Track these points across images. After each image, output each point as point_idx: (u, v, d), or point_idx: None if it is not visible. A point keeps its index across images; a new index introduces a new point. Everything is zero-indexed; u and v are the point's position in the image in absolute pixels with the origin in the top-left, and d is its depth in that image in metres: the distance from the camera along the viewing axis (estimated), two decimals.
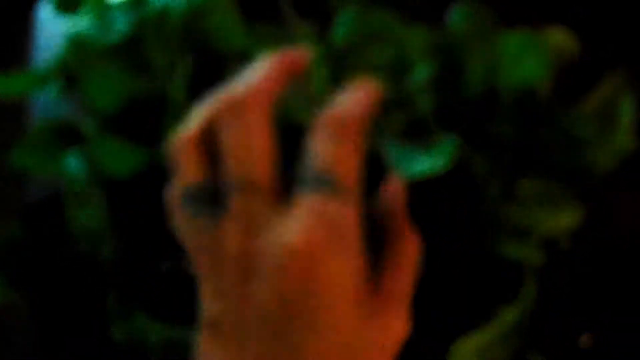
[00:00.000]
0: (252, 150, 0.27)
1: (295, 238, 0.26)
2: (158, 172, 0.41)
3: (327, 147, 0.27)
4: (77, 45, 0.42)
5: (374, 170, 0.40)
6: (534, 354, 0.45)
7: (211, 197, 0.28)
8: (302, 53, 0.30)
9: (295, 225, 0.26)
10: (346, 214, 0.27)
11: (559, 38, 0.49)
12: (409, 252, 0.30)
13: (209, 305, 0.27)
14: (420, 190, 0.42)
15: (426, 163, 0.38)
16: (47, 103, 0.47)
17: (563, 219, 0.45)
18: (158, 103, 0.42)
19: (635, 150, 0.45)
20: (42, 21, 0.58)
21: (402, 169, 0.38)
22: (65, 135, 0.45)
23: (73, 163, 0.43)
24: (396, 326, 0.28)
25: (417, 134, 0.39)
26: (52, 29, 0.57)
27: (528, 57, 0.41)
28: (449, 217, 0.42)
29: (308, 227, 0.26)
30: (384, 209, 0.32)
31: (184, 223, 0.28)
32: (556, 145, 0.41)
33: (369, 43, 0.39)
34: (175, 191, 0.28)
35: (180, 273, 0.44)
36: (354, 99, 0.29)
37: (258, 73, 0.28)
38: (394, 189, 0.33)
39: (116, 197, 0.42)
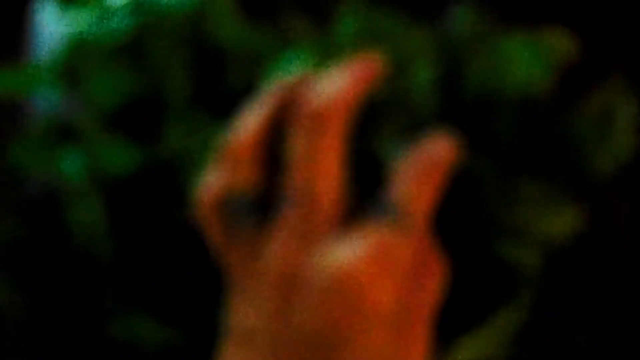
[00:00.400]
0: (322, 167, 0.26)
1: (349, 262, 0.25)
2: (157, 171, 0.41)
3: (411, 186, 0.26)
4: (77, 43, 0.41)
5: (375, 171, 0.40)
6: (529, 351, 0.45)
7: (257, 205, 0.27)
8: (375, 62, 0.27)
9: (352, 249, 0.25)
10: (407, 250, 0.26)
11: (559, 40, 0.49)
12: (434, 276, 0.28)
13: (241, 317, 0.27)
14: None
15: None
16: (45, 101, 0.47)
17: (564, 221, 0.45)
18: (158, 102, 0.42)
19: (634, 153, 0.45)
20: (40, 20, 0.58)
21: None
22: (64, 133, 0.44)
23: (71, 161, 0.42)
24: (418, 346, 0.27)
25: (416, 133, 0.39)
26: (50, 29, 0.57)
27: (529, 59, 0.41)
28: (447, 218, 0.42)
29: (365, 254, 0.25)
30: None
31: (220, 231, 0.27)
32: (556, 147, 0.41)
33: (370, 42, 0.38)
34: (213, 194, 0.27)
35: (179, 272, 0.43)
36: (442, 147, 0.26)
37: (340, 82, 0.27)
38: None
39: (115, 195, 0.42)
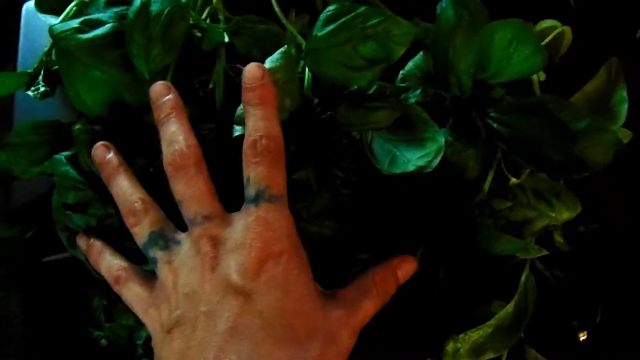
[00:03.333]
0: (198, 194, 0.37)
1: (251, 241, 0.35)
2: (147, 174, 0.41)
3: (260, 170, 0.36)
4: (60, 43, 0.41)
5: (364, 167, 0.40)
6: (530, 348, 0.44)
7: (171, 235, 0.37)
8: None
9: (248, 232, 0.35)
10: (285, 215, 0.36)
11: (552, 29, 0.48)
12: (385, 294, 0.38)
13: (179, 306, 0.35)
14: (412, 187, 0.41)
15: (414, 160, 0.37)
16: (31, 103, 0.46)
17: (563, 213, 0.44)
18: (144, 102, 0.42)
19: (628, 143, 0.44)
20: (29, 20, 0.58)
21: (389, 165, 0.38)
22: (51, 136, 0.44)
23: (59, 164, 0.42)
24: (344, 337, 0.33)
25: (405, 129, 0.38)
26: (39, 28, 0.57)
27: (520, 49, 0.40)
28: (441, 213, 0.42)
29: (258, 233, 0.35)
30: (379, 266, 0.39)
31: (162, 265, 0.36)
32: (549, 139, 0.40)
33: (353, 36, 0.38)
34: (138, 239, 0.38)
35: None
36: (264, 120, 0.37)
37: (184, 137, 0.37)
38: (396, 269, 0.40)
39: (104, 199, 0.41)
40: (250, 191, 0.36)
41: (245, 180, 0.37)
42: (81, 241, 0.41)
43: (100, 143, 0.40)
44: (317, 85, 0.40)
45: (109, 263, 0.39)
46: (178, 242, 0.36)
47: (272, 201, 0.36)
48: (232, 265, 0.34)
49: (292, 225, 0.36)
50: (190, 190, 0.36)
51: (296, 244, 0.36)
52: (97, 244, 0.40)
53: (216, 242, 0.35)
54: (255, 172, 0.36)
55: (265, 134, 0.36)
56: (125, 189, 0.38)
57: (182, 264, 0.35)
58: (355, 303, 0.37)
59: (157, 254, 0.36)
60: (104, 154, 0.39)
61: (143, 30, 0.39)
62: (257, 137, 0.36)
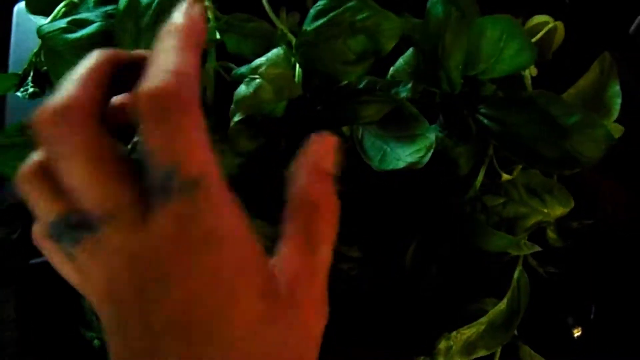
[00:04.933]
0: (91, 184, 0.23)
1: (166, 247, 0.22)
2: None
3: (159, 138, 0.22)
4: (48, 43, 0.41)
5: (355, 163, 0.40)
6: (524, 345, 0.44)
7: (79, 220, 0.24)
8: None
9: (162, 246, 0.22)
10: (213, 206, 0.23)
11: (545, 24, 0.48)
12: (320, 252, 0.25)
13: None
14: (403, 183, 0.41)
15: (404, 156, 0.37)
16: (23, 104, 0.46)
17: (556, 209, 0.44)
18: None
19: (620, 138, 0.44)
20: (20, 21, 0.57)
21: (380, 162, 0.37)
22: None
23: None
24: (310, 323, 0.24)
25: (396, 125, 0.38)
26: (30, 29, 0.56)
27: (509, 45, 0.40)
28: (432, 209, 0.42)
29: (173, 238, 0.22)
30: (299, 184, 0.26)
31: (61, 257, 0.25)
32: (540, 134, 0.40)
33: (343, 30, 0.38)
34: (41, 228, 0.25)
35: None
36: (171, 52, 0.23)
37: (70, 89, 0.23)
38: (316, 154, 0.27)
39: None
40: (152, 178, 0.23)
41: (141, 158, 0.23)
42: None
43: None
44: (307, 80, 0.40)
45: None
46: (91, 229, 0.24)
47: (187, 190, 0.22)
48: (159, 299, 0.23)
49: (234, 217, 0.24)
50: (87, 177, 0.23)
51: (243, 240, 0.24)
52: None
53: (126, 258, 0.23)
54: (153, 144, 0.22)
55: (171, 68, 0.22)
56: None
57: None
58: (303, 298, 0.25)
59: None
60: None
61: (134, 21, 0.39)
62: (154, 82, 0.22)
